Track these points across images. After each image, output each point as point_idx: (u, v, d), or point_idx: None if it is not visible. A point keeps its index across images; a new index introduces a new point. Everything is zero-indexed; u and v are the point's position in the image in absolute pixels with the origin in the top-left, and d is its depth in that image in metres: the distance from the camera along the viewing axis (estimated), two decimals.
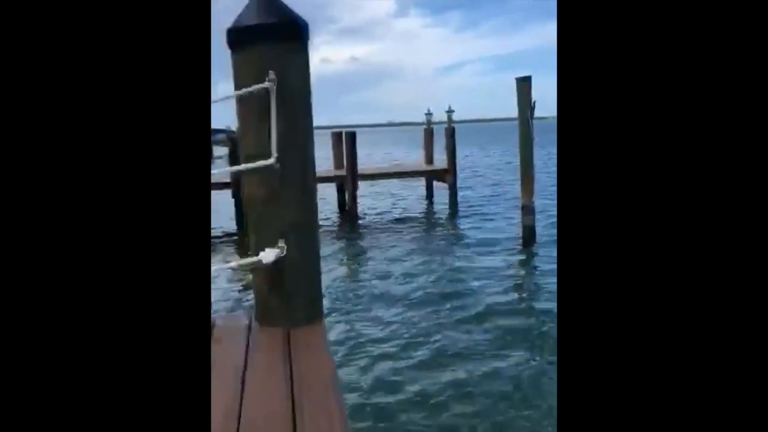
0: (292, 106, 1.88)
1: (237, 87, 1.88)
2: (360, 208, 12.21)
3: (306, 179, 2.00)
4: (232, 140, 12.03)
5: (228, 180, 10.86)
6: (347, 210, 11.99)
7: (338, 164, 12.97)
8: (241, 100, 1.91)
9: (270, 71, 1.81)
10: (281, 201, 1.95)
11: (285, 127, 1.87)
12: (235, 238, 10.27)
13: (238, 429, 1.34)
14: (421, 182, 14.38)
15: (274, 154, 1.86)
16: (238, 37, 1.85)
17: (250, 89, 1.83)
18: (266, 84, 1.81)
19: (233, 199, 10.98)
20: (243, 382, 1.59)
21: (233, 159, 11.64)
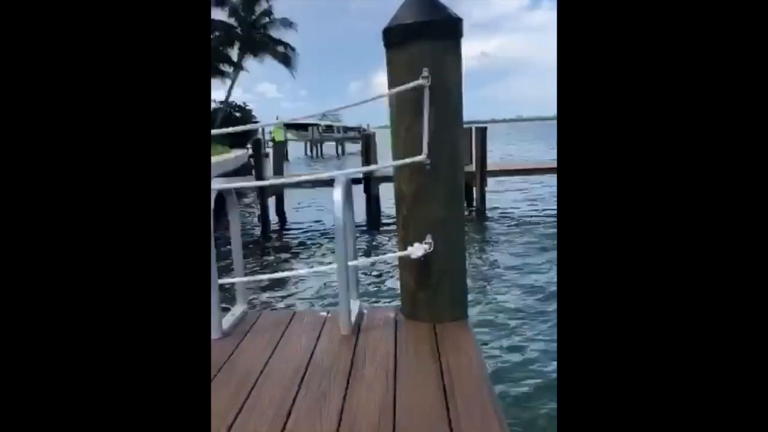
0: (444, 103, 1.89)
1: (391, 85, 1.92)
2: (488, 205, 12.00)
3: (454, 176, 2.00)
4: (364, 137, 12.42)
5: (360, 176, 11.24)
6: (475, 206, 11.83)
7: (467, 160, 12.84)
8: (395, 98, 1.95)
9: (424, 69, 1.83)
10: (430, 197, 1.96)
11: (436, 125, 1.88)
12: (363, 228, 10.62)
13: (394, 419, 1.38)
14: (554, 179, 13.76)
15: (425, 151, 1.88)
16: (394, 36, 1.89)
17: (404, 87, 1.86)
18: (420, 81, 1.83)
19: (365, 194, 11.37)
20: (395, 374, 1.63)
21: (366, 156, 12.03)
